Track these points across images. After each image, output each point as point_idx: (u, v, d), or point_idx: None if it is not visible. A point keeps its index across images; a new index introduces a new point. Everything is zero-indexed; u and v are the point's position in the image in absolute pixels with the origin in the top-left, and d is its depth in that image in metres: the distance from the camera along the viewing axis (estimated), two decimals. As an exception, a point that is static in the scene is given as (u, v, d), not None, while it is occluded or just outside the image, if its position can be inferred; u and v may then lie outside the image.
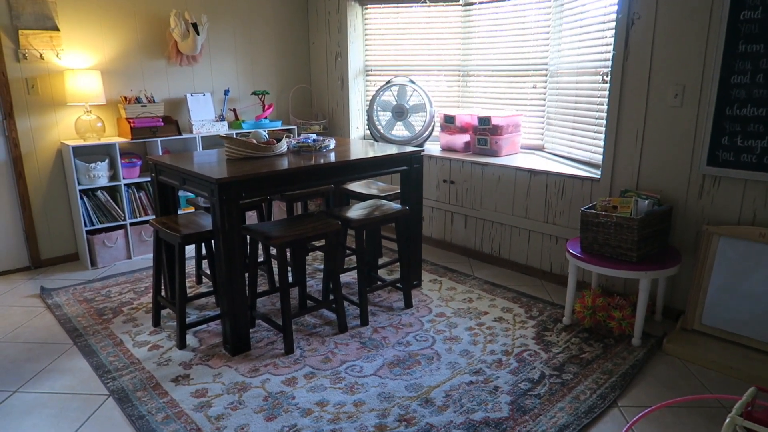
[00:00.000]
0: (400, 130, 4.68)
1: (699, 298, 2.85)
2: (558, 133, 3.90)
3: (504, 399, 2.37)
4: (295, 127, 4.92)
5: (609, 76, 3.16)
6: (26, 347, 2.85)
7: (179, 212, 3.28)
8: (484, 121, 4.07)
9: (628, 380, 2.51)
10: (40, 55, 3.75)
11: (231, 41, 4.69)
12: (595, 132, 3.45)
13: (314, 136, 3.39)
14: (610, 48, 3.16)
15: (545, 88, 4.03)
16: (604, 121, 3.24)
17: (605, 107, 3.26)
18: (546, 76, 4.00)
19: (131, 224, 4.15)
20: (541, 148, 4.14)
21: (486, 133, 4.08)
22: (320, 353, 2.77)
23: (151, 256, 4.23)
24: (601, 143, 3.32)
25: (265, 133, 3.17)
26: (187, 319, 3.09)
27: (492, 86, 4.34)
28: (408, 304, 3.28)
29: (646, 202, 2.83)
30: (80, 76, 3.77)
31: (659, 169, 3.02)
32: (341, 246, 3.63)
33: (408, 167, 3.34)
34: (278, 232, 2.72)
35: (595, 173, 3.34)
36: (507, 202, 3.82)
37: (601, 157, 3.30)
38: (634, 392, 2.45)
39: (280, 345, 2.85)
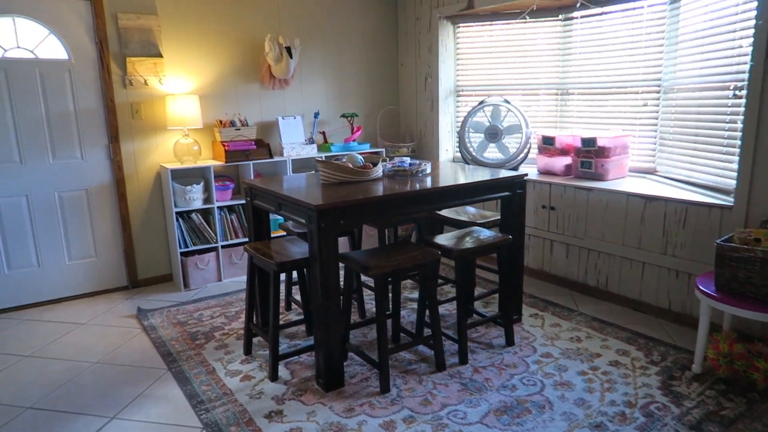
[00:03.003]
0: (493, 153, 4.45)
1: None
2: (674, 155, 3.52)
3: (635, 462, 2.06)
4: (383, 149, 4.82)
5: (745, 90, 2.79)
6: (123, 370, 2.86)
7: (271, 236, 3.21)
8: (589, 142, 3.76)
9: (785, 448, 2.12)
10: (145, 81, 3.88)
11: (321, 64, 4.68)
12: (723, 153, 3.07)
13: (410, 160, 3.24)
14: (744, 59, 2.80)
15: (657, 105, 3.67)
16: (738, 141, 2.86)
17: (739, 125, 2.89)
18: (659, 92, 3.65)
19: (222, 247, 4.17)
20: (652, 172, 3.76)
21: (591, 156, 3.77)
22: (418, 394, 2.56)
23: (240, 278, 4.22)
24: (733, 166, 2.94)
25: (361, 157, 3.06)
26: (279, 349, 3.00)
27: (594, 105, 4.03)
28: (509, 341, 3.02)
29: (800, 235, 2.43)
30: (180, 101, 3.85)
31: (811, 198, 2.61)
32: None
33: (510, 193, 3.11)
34: (376, 261, 2.56)
35: (726, 200, 2.96)
36: (617, 231, 3.48)
37: (732, 181, 2.92)
38: (796, 464, 2.05)
39: (375, 382, 2.67)
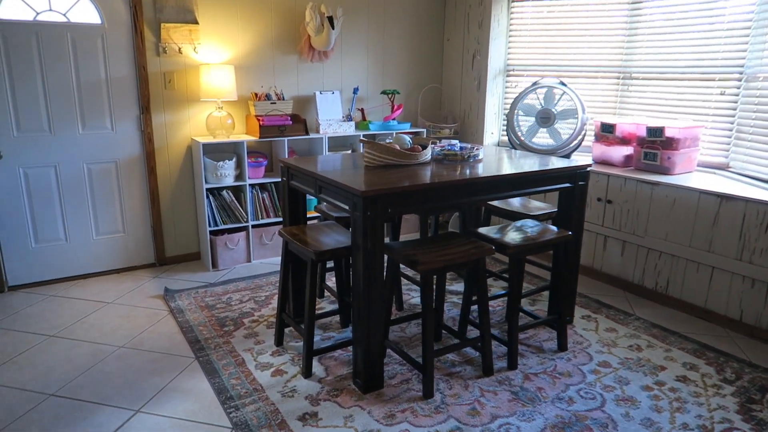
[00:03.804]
0: (543, 138, 4.14)
1: None
2: (754, 150, 3.18)
3: (717, 501, 1.81)
4: (424, 129, 4.54)
5: None
6: (149, 357, 2.70)
7: (307, 218, 3.00)
8: (655, 132, 3.43)
9: None
10: (179, 48, 3.67)
11: (363, 37, 4.41)
12: (817, 151, 2.73)
13: (460, 143, 2.97)
14: None
15: (737, 95, 3.32)
16: (840, 139, 2.52)
17: (841, 120, 2.54)
18: (740, 80, 3.29)
19: (253, 226, 3.98)
20: (724, 167, 3.42)
21: (656, 147, 3.44)
22: (465, 401, 2.34)
23: (270, 260, 4.04)
24: (830, 166, 2.60)
25: (409, 138, 2.80)
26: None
27: (659, 92, 3.68)
28: (562, 346, 2.77)
29: None
30: (215, 71, 3.63)
31: None
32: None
33: (572, 184, 2.83)
34: (425, 255, 2.33)
35: (820, 204, 2.63)
36: (683, 231, 3.17)
37: (827, 183, 2.59)
38: None
39: (416, 384, 2.46)
